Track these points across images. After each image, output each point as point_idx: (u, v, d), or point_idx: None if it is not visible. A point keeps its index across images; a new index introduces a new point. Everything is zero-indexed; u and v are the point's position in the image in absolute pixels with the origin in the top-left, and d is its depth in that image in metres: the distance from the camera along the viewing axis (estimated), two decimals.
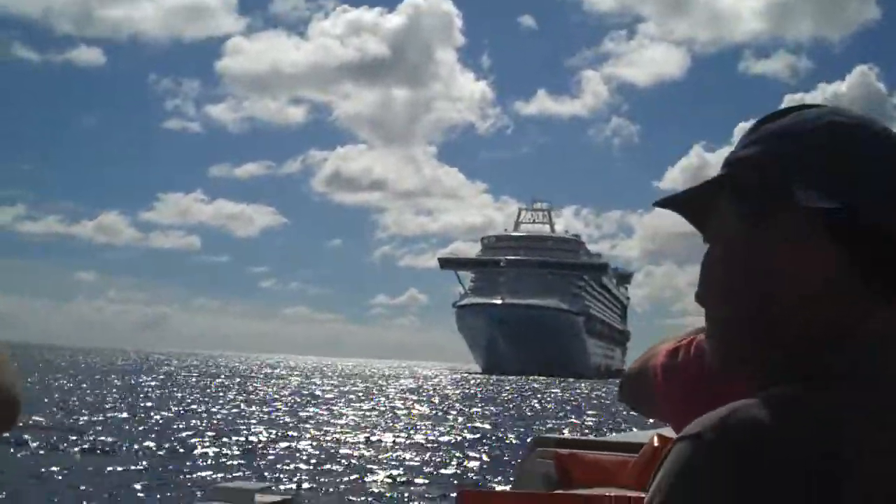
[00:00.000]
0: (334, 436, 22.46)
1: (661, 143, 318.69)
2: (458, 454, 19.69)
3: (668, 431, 1.85)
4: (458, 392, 59.60)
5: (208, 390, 47.83)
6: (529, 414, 37.06)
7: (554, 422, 31.71)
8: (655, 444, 1.67)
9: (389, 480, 15.07)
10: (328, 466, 16.47)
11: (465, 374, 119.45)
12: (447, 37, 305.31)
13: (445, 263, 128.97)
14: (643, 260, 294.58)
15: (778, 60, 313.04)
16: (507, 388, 70.31)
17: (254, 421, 26.23)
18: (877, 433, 0.72)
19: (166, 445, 18.61)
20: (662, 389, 1.27)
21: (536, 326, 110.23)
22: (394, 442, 21.73)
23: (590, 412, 38.30)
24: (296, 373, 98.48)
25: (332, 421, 27.78)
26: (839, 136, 0.83)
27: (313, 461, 17.08)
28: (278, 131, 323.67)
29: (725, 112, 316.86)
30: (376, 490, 14.28)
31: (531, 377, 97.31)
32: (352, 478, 15.33)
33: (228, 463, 16.39)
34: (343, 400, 42.78)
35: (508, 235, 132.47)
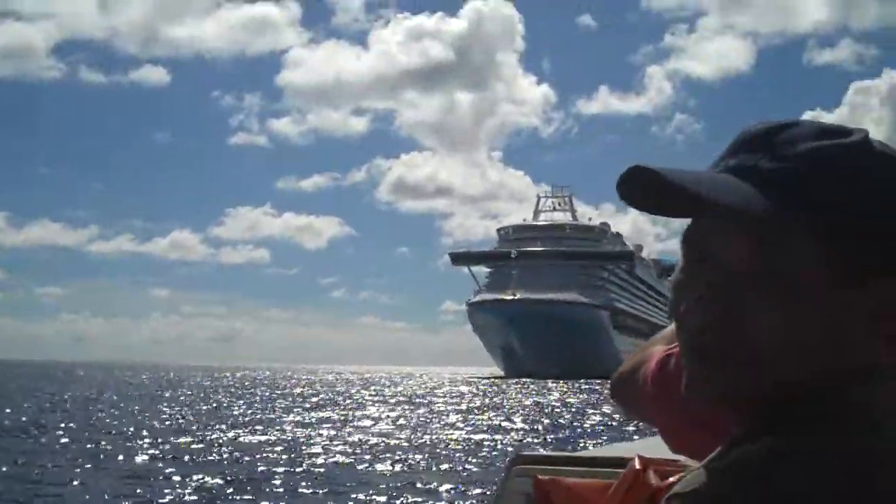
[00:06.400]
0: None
1: (726, 138, 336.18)
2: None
3: (652, 447, 1.87)
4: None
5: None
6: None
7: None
8: (637, 466, 1.64)
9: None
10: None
11: (474, 379, 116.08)
12: (509, 41, 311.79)
13: (456, 259, 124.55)
14: None
15: (843, 49, 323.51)
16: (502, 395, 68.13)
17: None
18: None
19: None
20: (651, 399, 1.26)
21: (553, 323, 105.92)
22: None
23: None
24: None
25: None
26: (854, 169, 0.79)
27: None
28: (342, 142, 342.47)
29: (792, 103, 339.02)
30: None
31: (550, 381, 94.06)
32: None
33: None
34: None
35: (525, 225, 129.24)
